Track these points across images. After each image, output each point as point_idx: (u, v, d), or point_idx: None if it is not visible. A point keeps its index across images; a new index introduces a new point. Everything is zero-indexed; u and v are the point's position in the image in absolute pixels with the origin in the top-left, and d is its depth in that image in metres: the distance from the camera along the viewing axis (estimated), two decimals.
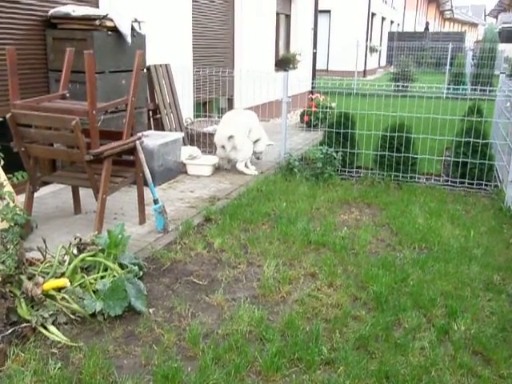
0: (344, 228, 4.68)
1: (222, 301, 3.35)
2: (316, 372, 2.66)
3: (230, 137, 6.26)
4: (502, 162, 6.00)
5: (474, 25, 60.17)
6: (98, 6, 5.85)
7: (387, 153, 6.13)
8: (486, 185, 5.92)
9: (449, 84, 14.96)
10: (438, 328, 3.08)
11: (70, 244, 3.45)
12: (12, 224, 3.28)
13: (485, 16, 61.85)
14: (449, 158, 6.50)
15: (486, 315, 3.27)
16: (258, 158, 6.95)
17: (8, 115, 3.88)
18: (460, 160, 6.00)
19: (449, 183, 6.08)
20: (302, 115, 10.01)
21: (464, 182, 5.98)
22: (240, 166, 6.45)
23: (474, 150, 5.93)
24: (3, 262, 2.80)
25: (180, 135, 6.35)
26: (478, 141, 5.89)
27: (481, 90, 7.54)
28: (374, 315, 3.21)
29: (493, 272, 3.85)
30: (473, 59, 18.77)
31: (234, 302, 3.35)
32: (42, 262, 3.33)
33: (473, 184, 5.94)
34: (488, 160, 5.90)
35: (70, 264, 3.31)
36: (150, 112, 6.79)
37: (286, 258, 4.01)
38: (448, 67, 17.61)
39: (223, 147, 6.37)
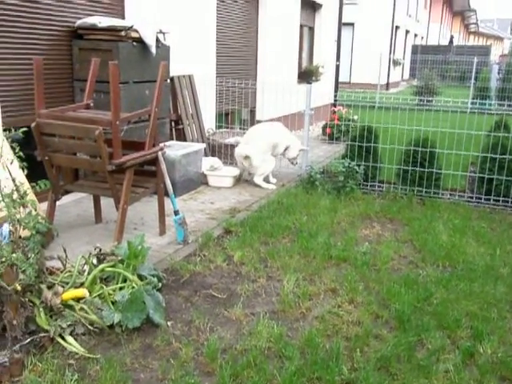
0: (365, 243, 4.60)
1: (240, 315, 3.30)
2: None
3: (246, 157, 6.29)
4: None
5: (500, 38, 59.54)
6: (123, 17, 5.92)
7: (410, 167, 6.04)
8: None
9: (473, 98, 14.77)
10: (463, 350, 2.98)
11: (90, 254, 3.45)
12: (33, 232, 3.29)
13: (511, 30, 61.17)
14: (474, 174, 6.38)
15: None
16: (293, 164, 6.84)
17: (33, 124, 3.91)
18: (486, 176, 5.88)
19: (473, 199, 5.95)
20: (324, 128, 9.97)
21: (489, 199, 5.85)
22: (257, 180, 6.43)
23: (501, 166, 5.80)
24: (24, 272, 2.80)
25: (202, 146, 6.35)
26: (504, 157, 5.76)
27: (508, 105, 7.40)
28: (396, 335, 3.13)
29: None
30: (498, 73, 18.51)
31: (253, 316, 3.30)
32: (61, 272, 3.33)
33: (498, 201, 5.81)
34: None
35: (89, 274, 3.30)
36: (173, 122, 6.82)
37: (307, 273, 3.95)
38: (473, 81, 17.39)
39: (242, 163, 6.43)
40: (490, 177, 5.85)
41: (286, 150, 6.65)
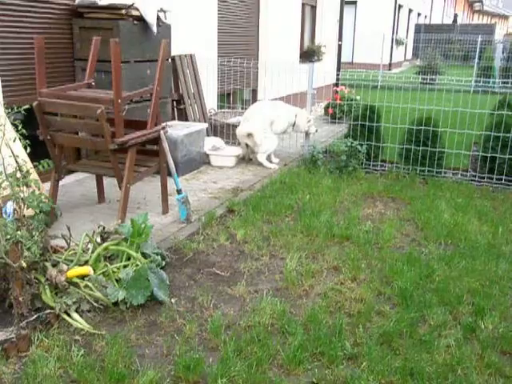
0: (368, 222, 4.61)
1: (244, 293, 3.33)
2: (339, 367, 2.63)
3: (249, 134, 6.27)
4: None
5: (505, 17, 58.78)
6: None
7: (413, 147, 6.02)
8: None
9: (477, 77, 14.65)
10: (465, 326, 3.01)
11: (94, 232, 3.47)
12: (37, 211, 3.30)
13: None
14: (477, 153, 6.36)
15: None
16: (308, 134, 6.82)
17: (35, 103, 3.90)
18: (488, 155, 5.86)
19: (476, 178, 5.94)
20: (326, 108, 9.91)
21: (492, 178, 5.84)
22: (260, 158, 6.42)
23: (504, 145, 5.78)
24: (29, 249, 2.81)
25: (204, 126, 6.34)
26: (508, 135, 5.73)
27: None
28: (399, 311, 3.15)
29: None
30: (503, 52, 18.32)
31: (257, 294, 3.33)
32: (66, 250, 3.35)
33: (501, 180, 5.80)
34: None
35: (93, 252, 3.32)
36: (174, 102, 6.78)
37: (309, 251, 3.96)
38: (476, 60, 17.22)
39: (245, 142, 6.41)
40: (492, 155, 5.82)
41: (294, 125, 6.63)
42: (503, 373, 2.63)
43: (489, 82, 8.12)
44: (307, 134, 6.80)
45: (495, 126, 5.87)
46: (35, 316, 2.81)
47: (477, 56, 17.51)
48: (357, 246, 4.08)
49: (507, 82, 7.87)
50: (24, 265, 2.75)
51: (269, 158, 6.55)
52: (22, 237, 2.72)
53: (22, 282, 2.79)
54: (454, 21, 34.82)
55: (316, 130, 6.83)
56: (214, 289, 3.39)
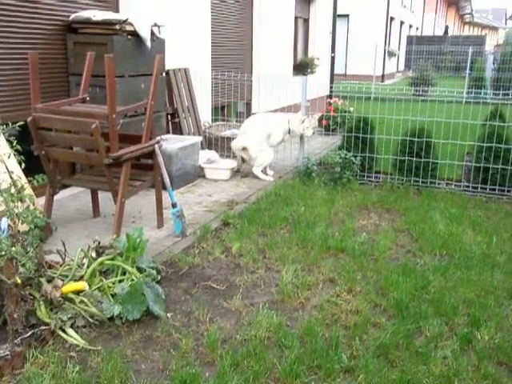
0: (363, 233, 4.62)
1: (240, 306, 3.32)
2: (335, 380, 2.62)
3: (244, 148, 6.31)
4: None
5: (495, 28, 59.48)
6: (118, 11, 5.90)
7: (407, 158, 6.05)
8: (508, 191, 5.82)
9: (469, 88, 14.78)
10: (461, 337, 3.01)
11: (89, 247, 3.46)
12: (32, 227, 3.29)
13: (506, 20, 61.10)
14: (470, 164, 6.40)
15: (511, 324, 3.19)
16: (304, 136, 6.76)
17: (29, 119, 3.90)
18: (481, 165, 5.90)
19: (470, 189, 5.98)
20: (319, 119, 9.96)
21: (485, 188, 5.88)
22: (256, 171, 6.44)
23: (496, 156, 5.82)
24: (23, 265, 2.80)
25: (198, 139, 6.36)
26: (500, 146, 5.78)
27: (503, 94, 7.42)
28: (395, 323, 3.15)
29: None
30: (493, 63, 18.52)
31: (253, 307, 3.32)
32: (61, 265, 3.34)
33: (494, 190, 5.84)
34: (510, 165, 5.79)
35: (88, 267, 3.32)
36: (169, 116, 6.81)
37: (305, 264, 3.97)
38: (468, 71, 17.40)
39: (241, 156, 6.46)
40: (485, 166, 5.87)
41: (289, 132, 6.65)
42: None
43: (480, 93, 8.19)
44: (302, 137, 6.80)
45: (487, 137, 5.92)
46: (30, 333, 2.79)
47: (468, 67, 17.71)
48: (352, 258, 4.09)
49: (498, 93, 7.95)
50: (19, 281, 2.74)
51: (264, 171, 6.57)
52: (16, 253, 2.71)
53: (17, 298, 2.78)
54: (445, 32, 35.19)
55: (313, 133, 6.83)
56: (209, 302, 3.38)
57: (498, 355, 2.85)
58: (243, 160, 6.52)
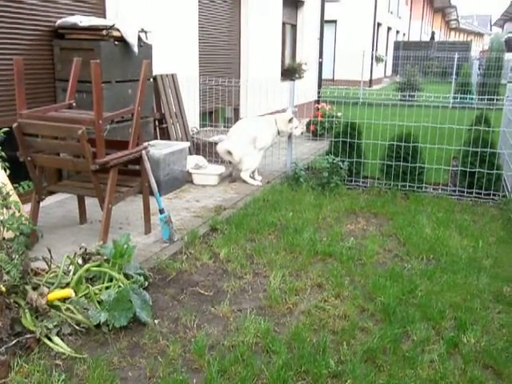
0: (351, 238, 4.64)
1: (227, 312, 3.31)
2: None
3: (228, 152, 6.32)
4: (510, 171, 5.95)
5: (480, 34, 60.23)
6: (104, 17, 5.88)
7: (394, 162, 6.09)
8: (494, 194, 5.87)
9: (455, 93, 14.93)
10: (448, 340, 3.03)
11: (75, 254, 3.44)
12: (17, 234, 3.27)
13: (491, 26, 61.86)
14: (456, 168, 6.46)
15: (497, 328, 3.21)
16: (295, 135, 6.78)
17: (14, 125, 3.88)
18: (467, 170, 5.96)
19: (456, 193, 6.03)
20: (307, 125, 9.99)
21: (472, 192, 5.93)
22: (243, 175, 6.46)
23: (482, 160, 5.88)
24: (8, 272, 2.78)
25: (186, 145, 6.35)
26: (485, 150, 5.84)
27: (488, 100, 7.51)
28: (382, 327, 3.16)
29: (502, 283, 3.79)
30: (479, 69, 18.74)
31: (240, 313, 3.32)
32: (46, 272, 3.31)
33: (480, 194, 5.90)
34: (496, 170, 5.85)
35: (74, 274, 3.29)
36: (156, 121, 6.80)
37: (293, 269, 3.97)
38: (454, 77, 17.58)
39: (227, 160, 6.48)
40: (471, 170, 5.92)
41: (278, 133, 6.67)
42: None
43: (466, 98, 8.28)
44: (290, 137, 6.81)
45: (473, 141, 5.98)
46: (15, 341, 2.76)
47: (454, 72, 17.87)
48: (340, 263, 4.10)
49: (484, 98, 8.04)
50: (3, 289, 2.72)
51: (252, 175, 6.57)
52: (1, 260, 2.69)
53: (1, 306, 2.75)
54: (432, 38, 35.55)
55: (302, 133, 6.84)
56: (197, 308, 3.37)
57: (483, 358, 2.87)
58: (231, 164, 6.52)
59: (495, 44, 18.01)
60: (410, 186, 6.07)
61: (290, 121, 6.61)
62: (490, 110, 7.80)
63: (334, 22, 23.08)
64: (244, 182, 6.43)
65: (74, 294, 3.13)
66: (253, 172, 6.57)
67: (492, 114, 7.28)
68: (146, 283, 3.51)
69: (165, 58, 6.75)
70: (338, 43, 23.69)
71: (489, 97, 7.88)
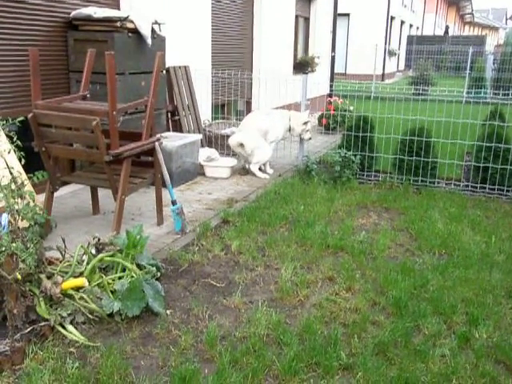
0: (362, 232, 4.63)
1: (239, 303, 3.33)
2: (334, 377, 2.63)
3: (240, 144, 6.32)
4: None
5: (495, 28, 59.45)
6: (118, 8, 5.90)
7: (406, 157, 6.06)
8: (507, 190, 5.82)
9: (469, 88, 14.79)
10: (459, 335, 3.02)
11: (89, 244, 3.47)
12: (32, 223, 3.29)
13: (506, 20, 61.06)
14: (469, 163, 6.41)
15: (509, 323, 3.20)
16: (304, 139, 6.80)
17: (30, 115, 3.91)
18: (481, 165, 5.91)
19: (469, 188, 5.99)
20: (319, 118, 9.97)
21: (485, 188, 5.89)
22: (253, 168, 6.46)
23: (496, 155, 5.83)
24: (23, 261, 2.81)
25: (198, 137, 6.36)
26: (499, 145, 5.79)
27: (503, 95, 7.43)
28: (393, 321, 3.16)
29: None
30: (494, 63, 18.53)
31: (252, 304, 3.33)
32: (60, 262, 3.34)
33: (494, 189, 5.85)
34: (510, 165, 5.80)
35: (88, 264, 3.32)
36: (169, 113, 6.81)
37: (304, 262, 3.98)
38: (468, 71, 17.40)
39: (239, 152, 6.48)
40: (485, 165, 5.88)
41: (290, 129, 6.68)
42: (498, 382, 2.64)
43: (480, 93, 8.20)
44: (301, 139, 6.82)
45: (487, 137, 5.93)
46: (30, 328, 2.80)
47: (468, 67, 17.70)
48: (351, 257, 4.10)
49: (498, 93, 7.96)
50: (19, 277, 2.75)
51: (264, 168, 6.58)
52: (16, 249, 2.72)
53: (17, 294, 2.79)
54: (446, 32, 35.17)
55: (309, 138, 6.85)
56: (209, 300, 3.39)
57: (495, 354, 2.86)
58: (241, 157, 6.53)
59: (511, 38, 17.78)
60: (422, 181, 6.04)
61: (305, 124, 6.61)
62: (505, 105, 7.72)
63: (347, 15, 22.92)
64: (253, 174, 6.43)
65: (87, 284, 3.16)
66: (264, 165, 6.57)
67: (507, 109, 7.21)
68: (159, 274, 3.53)
69: (178, 50, 6.76)
70: (351, 37, 23.54)
71: (503, 92, 7.79)
